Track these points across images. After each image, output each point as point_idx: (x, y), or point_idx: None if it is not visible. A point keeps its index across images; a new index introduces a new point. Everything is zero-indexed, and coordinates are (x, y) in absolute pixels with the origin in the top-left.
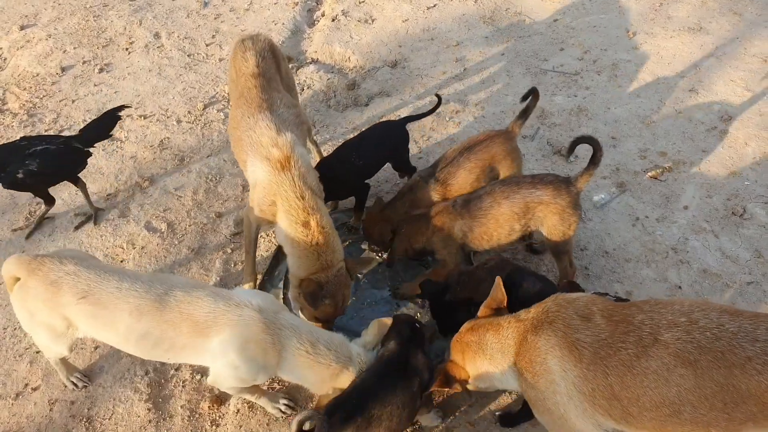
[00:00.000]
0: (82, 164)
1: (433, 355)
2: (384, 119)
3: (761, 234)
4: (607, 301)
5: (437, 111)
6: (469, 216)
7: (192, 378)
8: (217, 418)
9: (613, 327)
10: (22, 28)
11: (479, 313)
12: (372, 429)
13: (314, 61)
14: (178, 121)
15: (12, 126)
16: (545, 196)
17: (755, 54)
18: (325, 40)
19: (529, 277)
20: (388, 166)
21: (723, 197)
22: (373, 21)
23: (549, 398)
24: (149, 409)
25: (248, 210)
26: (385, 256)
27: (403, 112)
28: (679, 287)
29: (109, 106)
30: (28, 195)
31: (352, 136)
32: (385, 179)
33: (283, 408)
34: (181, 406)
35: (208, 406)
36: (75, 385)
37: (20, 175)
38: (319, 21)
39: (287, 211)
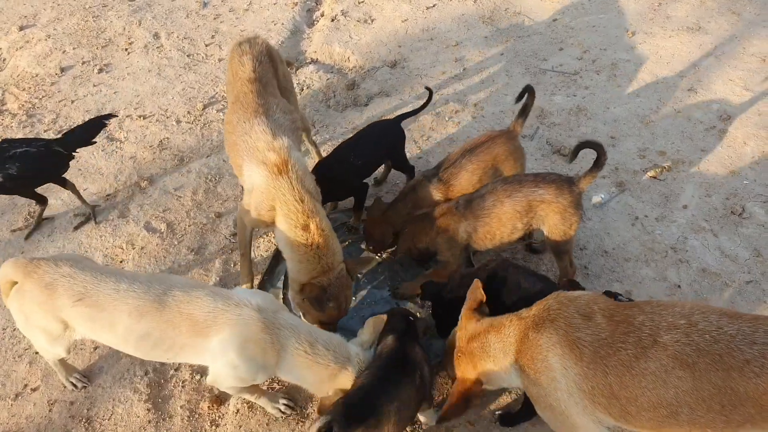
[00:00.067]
0: (64, 167)
1: (433, 356)
2: (383, 119)
3: (760, 233)
4: (609, 300)
5: (437, 111)
6: (473, 216)
7: (191, 378)
8: (217, 418)
9: (613, 327)
10: (21, 28)
11: (462, 315)
12: (383, 424)
13: (314, 61)
14: (178, 122)
15: (11, 126)
16: (547, 194)
17: (754, 53)
18: (324, 40)
19: (529, 276)
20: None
21: (722, 196)
22: (372, 21)
23: (551, 395)
24: (149, 410)
25: (241, 212)
26: (384, 256)
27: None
28: (679, 286)
29: (109, 107)
30: None
31: (351, 136)
32: (386, 180)
33: (282, 408)
34: (181, 407)
35: (208, 407)
36: (74, 385)
37: (0, 179)
38: (318, 21)
39: (286, 215)
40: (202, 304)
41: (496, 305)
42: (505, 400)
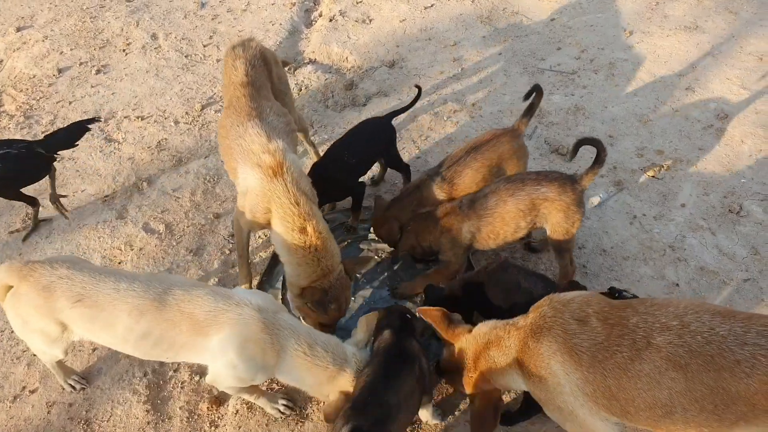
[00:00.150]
0: (46, 169)
1: (432, 356)
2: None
3: (758, 231)
4: (602, 300)
5: (435, 111)
6: (476, 216)
7: (191, 379)
8: (216, 419)
9: (608, 330)
10: (18, 29)
11: (446, 337)
12: (393, 417)
13: (312, 62)
14: (176, 122)
15: (9, 128)
16: (550, 192)
17: (751, 52)
18: (322, 41)
19: (529, 276)
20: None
21: (720, 195)
22: (370, 21)
23: (557, 398)
24: (148, 411)
25: (237, 215)
26: (383, 256)
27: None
28: (677, 285)
29: (107, 108)
30: None
31: (343, 135)
32: (384, 179)
33: (282, 408)
34: (180, 408)
35: (207, 407)
36: (73, 387)
37: None
38: (316, 21)
39: (282, 217)
40: (203, 303)
41: (497, 307)
42: (504, 399)
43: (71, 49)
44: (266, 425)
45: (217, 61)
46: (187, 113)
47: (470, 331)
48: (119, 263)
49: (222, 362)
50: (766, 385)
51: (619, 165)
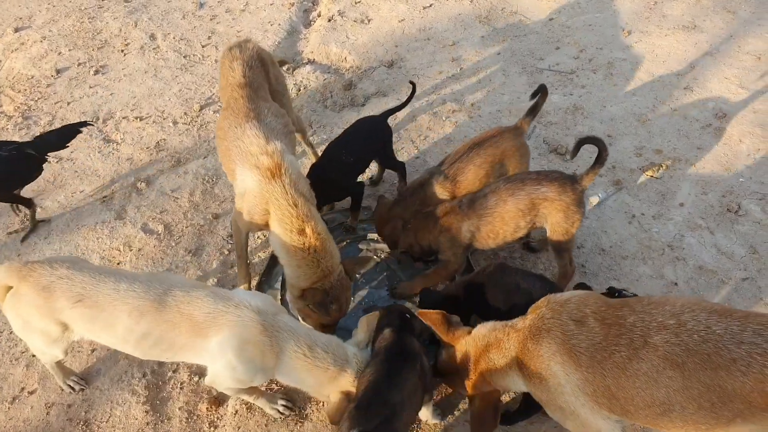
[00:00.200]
0: (37, 170)
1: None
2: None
3: (756, 230)
4: (599, 299)
5: (434, 111)
6: (476, 215)
7: (190, 380)
8: (216, 419)
9: (606, 330)
10: (16, 30)
11: (446, 340)
12: (397, 416)
13: (311, 62)
14: (175, 123)
15: (7, 128)
16: (550, 192)
17: (749, 51)
18: (321, 41)
19: (527, 277)
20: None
21: (718, 194)
22: (369, 21)
23: (558, 398)
24: (147, 412)
25: (236, 216)
26: (382, 256)
27: (401, 112)
28: (675, 284)
29: (105, 108)
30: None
31: (340, 134)
32: (382, 179)
33: (281, 409)
34: (179, 408)
35: (206, 408)
36: (72, 388)
37: None
38: (315, 21)
39: (281, 219)
40: (202, 304)
41: (496, 309)
42: (503, 399)
43: (69, 50)
44: (265, 425)
45: (216, 61)
46: (185, 113)
47: (469, 333)
48: (118, 264)
49: (221, 364)
50: (761, 383)
51: (618, 164)
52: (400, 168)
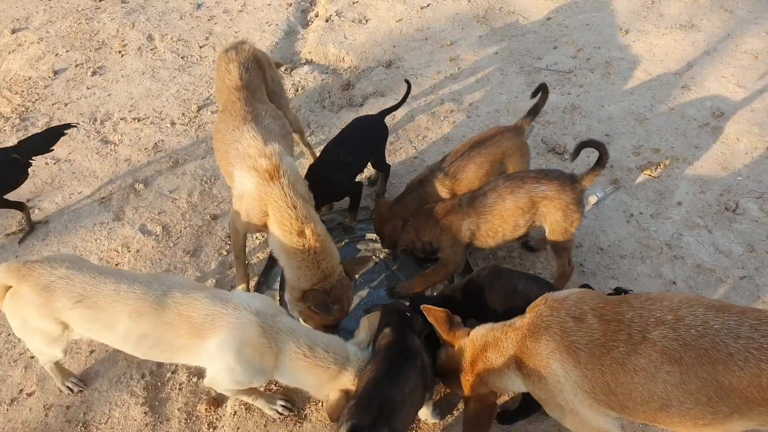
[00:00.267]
0: (23, 174)
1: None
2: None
3: (754, 228)
4: (597, 296)
5: (432, 111)
6: (475, 213)
7: (189, 380)
8: (214, 420)
9: (605, 326)
10: (13, 31)
11: (446, 339)
12: (397, 414)
13: (308, 62)
14: (172, 124)
15: (4, 130)
16: (550, 191)
17: (746, 50)
18: (319, 41)
19: (523, 279)
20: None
21: (716, 193)
22: (367, 21)
23: (558, 396)
24: (146, 413)
25: (234, 217)
26: (382, 256)
27: (399, 112)
28: (674, 283)
29: (103, 109)
30: (21, 198)
31: (337, 134)
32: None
33: (280, 409)
34: (178, 409)
35: (205, 409)
36: (70, 389)
37: None
38: (312, 22)
39: (280, 221)
40: (201, 306)
41: (493, 311)
42: (502, 398)
43: (67, 51)
44: (264, 426)
45: (214, 62)
46: (183, 114)
47: (469, 333)
48: (116, 265)
49: (220, 365)
50: (758, 378)
51: (616, 163)
52: (386, 170)
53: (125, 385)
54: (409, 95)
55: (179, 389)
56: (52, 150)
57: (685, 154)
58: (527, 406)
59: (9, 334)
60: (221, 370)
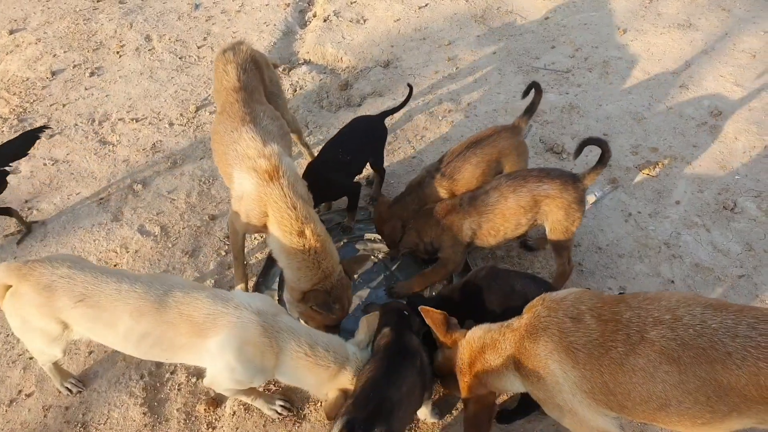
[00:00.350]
0: (2, 184)
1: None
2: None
3: (752, 227)
4: (594, 296)
5: (430, 111)
6: (477, 213)
7: (188, 381)
8: (213, 420)
9: (602, 326)
10: (11, 32)
11: (442, 341)
12: (395, 413)
13: (306, 62)
14: (171, 124)
15: (2, 131)
16: (552, 190)
17: (744, 49)
18: (317, 41)
19: (521, 279)
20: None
21: (714, 192)
22: (364, 21)
23: (556, 396)
24: (145, 413)
25: (233, 218)
26: (380, 256)
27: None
28: (672, 282)
29: (101, 110)
30: (19, 199)
31: (336, 133)
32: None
33: (279, 409)
34: (177, 410)
35: (204, 409)
36: (69, 390)
37: None
38: (310, 22)
39: (280, 222)
40: (202, 305)
41: (491, 312)
42: (501, 398)
43: (65, 52)
44: (263, 426)
45: (211, 62)
46: (181, 115)
47: (466, 335)
48: (115, 266)
49: (220, 365)
50: (756, 376)
51: (614, 163)
52: (382, 172)
53: (124, 385)
54: (411, 98)
55: (178, 390)
56: (28, 154)
57: (683, 153)
58: (526, 405)
59: (8, 335)
60: (222, 370)
